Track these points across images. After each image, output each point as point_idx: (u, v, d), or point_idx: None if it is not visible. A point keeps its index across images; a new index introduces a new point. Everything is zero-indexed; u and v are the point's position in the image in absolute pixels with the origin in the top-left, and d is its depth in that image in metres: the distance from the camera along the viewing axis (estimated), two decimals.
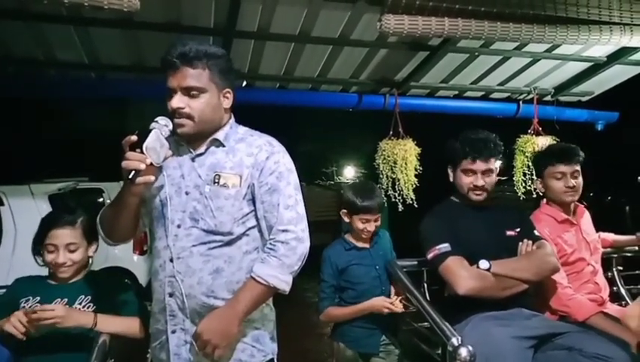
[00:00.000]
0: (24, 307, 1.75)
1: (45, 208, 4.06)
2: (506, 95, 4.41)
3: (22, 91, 3.62)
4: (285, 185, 1.49)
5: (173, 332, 1.48)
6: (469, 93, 4.34)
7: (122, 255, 5.36)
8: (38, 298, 1.77)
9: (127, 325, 1.78)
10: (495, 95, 4.40)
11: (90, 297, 1.82)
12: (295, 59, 3.45)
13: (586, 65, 3.82)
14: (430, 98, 4.29)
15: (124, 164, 1.35)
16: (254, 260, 1.49)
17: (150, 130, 1.39)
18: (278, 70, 3.65)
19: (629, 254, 2.63)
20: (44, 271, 1.88)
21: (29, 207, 4.10)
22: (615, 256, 2.60)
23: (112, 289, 1.89)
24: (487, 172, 2.05)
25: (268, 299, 1.54)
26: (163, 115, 1.49)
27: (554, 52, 3.55)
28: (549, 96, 4.33)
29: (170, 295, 1.47)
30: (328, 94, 4.12)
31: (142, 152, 1.35)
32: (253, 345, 1.51)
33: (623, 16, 2.46)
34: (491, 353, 1.70)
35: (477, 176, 2.04)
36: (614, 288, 2.51)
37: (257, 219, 1.51)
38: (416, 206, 3.72)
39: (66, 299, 1.78)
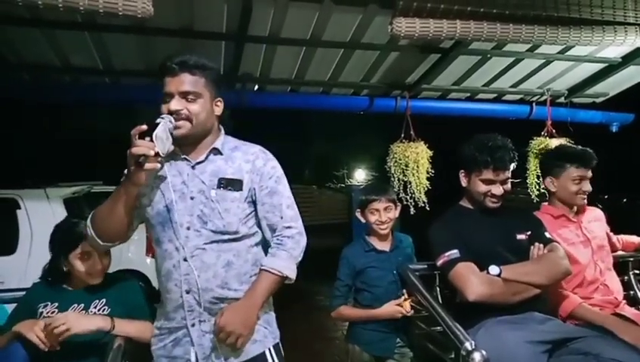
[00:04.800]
0: (42, 313, 1.78)
1: (60, 211, 4.10)
2: (518, 97, 4.38)
3: (37, 96, 3.68)
4: (283, 187, 1.68)
5: (193, 325, 1.58)
6: (481, 95, 4.32)
7: (135, 258, 5.38)
8: (56, 304, 1.81)
9: (141, 329, 1.80)
10: (508, 97, 4.37)
11: (105, 300, 1.84)
12: (306, 63, 3.46)
13: (601, 66, 3.78)
14: (442, 100, 4.28)
15: (134, 149, 1.42)
16: (256, 253, 1.67)
17: (157, 123, 1.46)
18: (290, 74, 3.66)
19: None
20: None
21: (45, 211, 4.15)
22: (631, 259, 2.54)
23: (125, 292, 1.91)
24: (505, 180, 2.04)
25: (278, 288, 1.66)
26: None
27: (567, 53, 3.52)
28: (563, 97, 4.29)
29: (187, 291, 1.57)
30: (339, 98, 4.13)
31: (151, 140, 1.41)
32: (265, 327, 1.66)
33: (638, 16, 2.43)
34: (505, 358, 1.68)
35: (496, 185, 2.02)
36: (631, 292, 2.46)
37: (257, 219, 1.67)
38: (428, 209, 3.70)
39: (82, 305, 1.81)
